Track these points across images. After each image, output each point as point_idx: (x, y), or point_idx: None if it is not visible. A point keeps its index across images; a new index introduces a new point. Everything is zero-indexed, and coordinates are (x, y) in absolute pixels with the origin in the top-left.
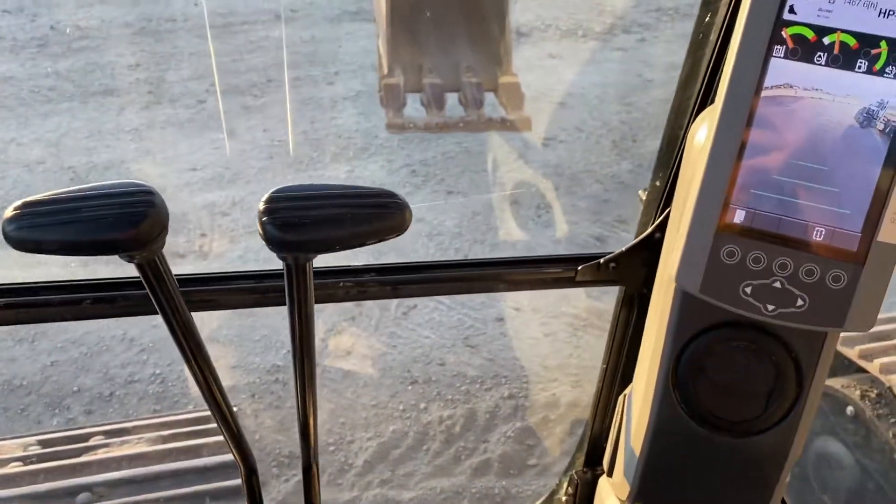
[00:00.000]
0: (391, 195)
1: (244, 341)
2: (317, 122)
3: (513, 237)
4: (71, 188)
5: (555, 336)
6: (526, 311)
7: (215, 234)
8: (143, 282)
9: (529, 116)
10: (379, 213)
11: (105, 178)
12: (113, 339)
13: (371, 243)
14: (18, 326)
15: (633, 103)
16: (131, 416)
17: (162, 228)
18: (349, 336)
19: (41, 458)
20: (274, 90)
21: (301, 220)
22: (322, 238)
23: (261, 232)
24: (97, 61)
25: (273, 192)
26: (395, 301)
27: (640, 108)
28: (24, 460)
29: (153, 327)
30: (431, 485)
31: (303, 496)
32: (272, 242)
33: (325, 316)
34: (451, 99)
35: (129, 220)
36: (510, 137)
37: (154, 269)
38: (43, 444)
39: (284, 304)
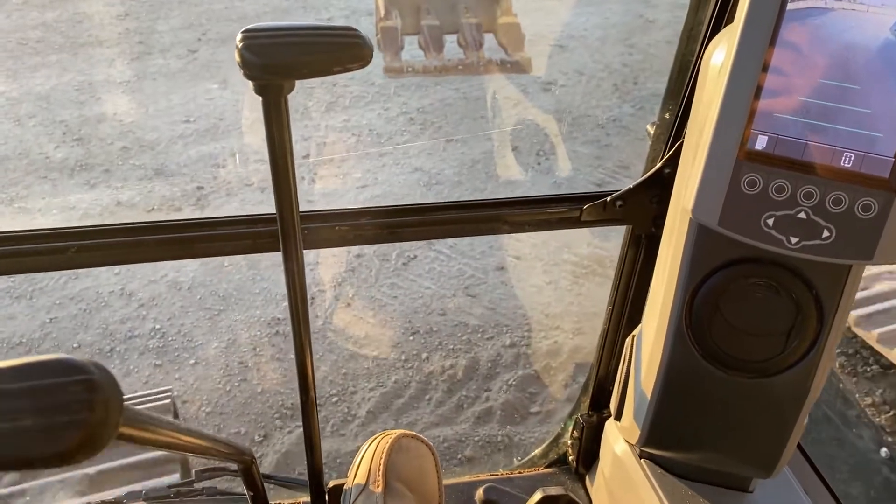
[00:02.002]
0: (356, 31)
1: (244, 294)
2: None
3: (514, 185)
4: None
5: (556, 284)
6: (527, 260)
7: (212, 186)
8: None
9: (530, 57)
10: (345, 42)
11: (98, 131)
12: (111, 295)
13: (337, 71)
14: (15, 284)
15: (635, 45)
16: (132, 370)
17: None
18: (349, 287)
19: None
20: None
21: (276, 46)
22: (295, 61)
23: (239, 60)
24: (85, 11)
25: (249, 27)
26: (394, 252)
27: (641, 50)
28: None
29: (151, 282)
30: (435, 433)
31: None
32: (249, 67)
33: (323, 268)
34: (450, 41)
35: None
36: (509, 82)
37: None
38: None
39: (275, 251)
